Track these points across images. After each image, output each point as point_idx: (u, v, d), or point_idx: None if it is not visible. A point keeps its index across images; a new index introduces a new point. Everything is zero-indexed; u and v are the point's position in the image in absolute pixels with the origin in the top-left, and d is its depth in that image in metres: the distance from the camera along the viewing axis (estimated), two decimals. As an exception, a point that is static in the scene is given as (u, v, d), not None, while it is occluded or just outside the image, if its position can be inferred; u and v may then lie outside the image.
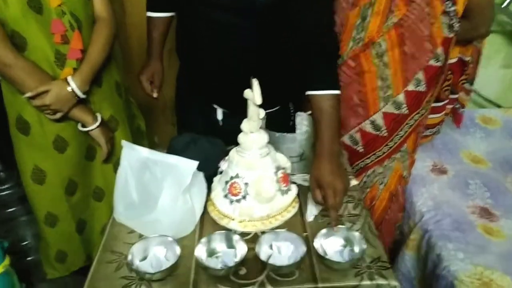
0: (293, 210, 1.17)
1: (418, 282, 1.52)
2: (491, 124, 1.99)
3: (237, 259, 1.02)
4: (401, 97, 1.37)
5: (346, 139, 1.47)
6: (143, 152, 1.10)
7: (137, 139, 1.64)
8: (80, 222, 1.50)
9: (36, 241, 2.04)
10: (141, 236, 1.11)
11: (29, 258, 2.04)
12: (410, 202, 1.60)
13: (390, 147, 1.44)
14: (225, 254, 1.03)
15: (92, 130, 1.36)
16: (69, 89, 1.26)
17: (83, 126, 1.36)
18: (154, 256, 1.03)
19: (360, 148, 1.46)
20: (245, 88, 1.04)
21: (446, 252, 1.36)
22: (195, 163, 1.05)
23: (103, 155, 1.42)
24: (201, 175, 1.10)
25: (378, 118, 1.40)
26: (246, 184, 1.09)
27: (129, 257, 0.99)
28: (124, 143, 1.12)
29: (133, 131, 1.63)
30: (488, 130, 1.95)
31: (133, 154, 1.11)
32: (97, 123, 1.35)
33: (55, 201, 1.42)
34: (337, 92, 1.15)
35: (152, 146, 1.85)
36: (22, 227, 2.12)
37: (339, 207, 1.09)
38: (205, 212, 1.16)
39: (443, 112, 1.65)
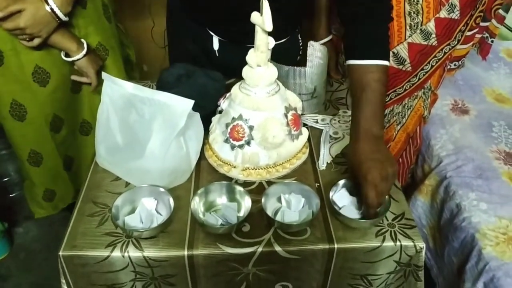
0: (303, 156, 1.02)
1: (430, 230, 1.41)
2: (516, 59, 1.80)
3: (241, 214, 0.88)
4: (431, 25, 1.17)
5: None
6: (128, 87, 0.92)
7: (126, 71, 1.45)
8: (67, 159, 1.38)
9: (19, 176, 1.91)
10: (127, 185, 0.96)
11: (12, 195, 1.92)
12: (427, 144, 1.46)
13: (413, 84, 1.26)
14: (226, 208, 0.88)
15: (78, 60, 1.16)
16: (47, 8, 1.05)
17: (67, 55, 1.17)
18: (143, 209, 0.88)
19: (378, 84, 1.28)
20: (249, 11, 0.84)
21: (467, 202, 1.24)
22: (190, 103, 0.87)
23: (93, 88, 1.24)
24: (197, 116, 0.92)
25: (402, 49, 1.21)
26: (250, 127, 0.93)
27: (114, 210, 0.84)
28: (105, 75, 0.94)
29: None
30: (513, 65, 1.77)
31: (115, 89, 0.93)
32: (84, 52, 1.16)
33: (39, 139, 1.28)
34: (385, 63, 0.93)
35: (142, 77, 1.67)
36: (2, 162, 1.97)
37: (378, 206, 0.86)
38: (201, 157, 1.01)
39: (471, 43, 1.44)
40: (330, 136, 1.08)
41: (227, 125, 0.95)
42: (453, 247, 1.25)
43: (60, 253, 0.83)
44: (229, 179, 0.97)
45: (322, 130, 1.10)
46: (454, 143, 1.41)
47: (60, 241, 0.85)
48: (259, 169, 0.96)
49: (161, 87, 1.12)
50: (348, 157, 0.93)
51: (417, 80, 1.26)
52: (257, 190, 0.94)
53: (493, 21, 1.45)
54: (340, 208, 0.89)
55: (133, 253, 0.83)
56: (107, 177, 0.98)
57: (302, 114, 1.08)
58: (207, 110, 1.04)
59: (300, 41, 1.28)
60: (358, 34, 0.96)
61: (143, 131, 0.91)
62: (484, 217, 1.19)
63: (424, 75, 1.26)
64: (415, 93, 1.29)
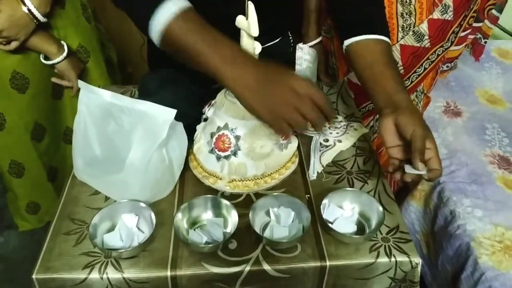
0: (293, 166, 0.97)
1: (423, 236, 1.38)
2: (508, 58, 1.77)
3: (228, 230, 0.83)
4: (424, 27, 1.13)
5: (353, 76, 1.25)
6: (105, 96, 0.86)
7: (108, 74, 1.40)
8: (51, 169, 1.32)
9: (1, 184, 1.84)
10: (107, 199, 0.90)
11: (-7, 203, 1.85)
12: (419, 148, 1.41)
13: (406, 87, 1.22)
14: (211, 224, 0.83)
15: (58, 63, 1.10)
16: (24, 9, 1.00)
17: (47, 58, 1.11)
18: (123, 226, 0.83)
19: (369, 88, 1.24)
20: (235, 13, 0.79)
21: (462, 209, 1.20)
22: (173, 112, 0.82)
23: (74, 92, 1.18)
24: (180, 126, 0.87)
25: (394, 52, 1.17)
26: (237, 137, 0.88)
27: (91, 229, 0.79)
28: (81, 83, 0.88)
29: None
30: (505, 65, 1.74)
31: (92, 98, 0.87)
32: (64, 54, 1.11)
33: (20, 149, 1.23)
34: (388, 40, 0.89)
35: (126, 80, 1.61)
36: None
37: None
38: (186, 167, 0.95)
39: (464, 44, 1.41)
40: (321, 143, 1.03)
41: (212, 135, 0.90)
42: (447, 255, 1.21)
43: (34, 276, 0.77)
44: (215, 191, 0.92)
45: (312, 137, 1.05)
46: (447, 147, 1.38)
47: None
48: (246, 180, 0.91)
49: (143, 93, 1.07)
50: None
51: (409, 83, 1.22)
52: (245, 203, 0.90)
53: (486, 21, 1.42)
54: (331, 223, 0.85)
55: (112, 274, 0.77)
56: (85, 191, 0.92)
57: (291, 121, 1.03)
58: (192, 118, 0.99)
59: (291, 39, 1.23)
60: (357, 14, 0.91)
61: (122, 142, 0.86)
62: (479, 225, 1.15)
63: (416, 78, 1.22)
64: (399, 73, 1.25)
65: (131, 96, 1.17)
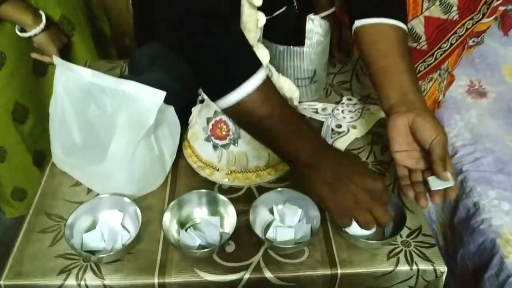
0: (301, 155, 0.85)
1: (440, 226, 1.27)
2: (538, 32, 1.61)
3: (225, 230, 0.72)
4: (453, -4, 0.99)
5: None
6: (85, 74, 0.75)
7: (100, 47, 1.28)
8: (37, 154, 1.22)
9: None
10: (90, 191, 0.80)
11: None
12: (440, 132, 1.29)
13: (429, 65, 1.09)
14: (206, 224, 0.73)
15: (35, 35, 0.98)
16: None
17: (23, 30, 0.99)
18: (105, 224, 0.72)
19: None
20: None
21: (487, 201, 1.09)
22: (162, 95, 0.70)
23: None
24: (171, 110, 0.76)
25: (418, 24, 1.03)
26: (236, 124, 0.76)
27: (67, 230, 0.69)
28: (56, 60, 0.76)
29: (94, 36, 1.26)
30: (535, 39, 1.58)
31: (70, 77, 0.76)
32: (42, 25, 0.98)
33: (0, 131, 1.12)
34: (406, 27, 0.77)
35: (125, 53, 1.48)
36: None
37: None
38: (180, 155, 0.84)
39: (494, 16, 1.26)
40: (332, 130, 0.91)
41: (208, 120, 0.79)
42: (468, 250, 1.10)
43: (1, 282, 0.67)
44: (212, 184, 0.81)
45: (323, 122, 0.93)
46: (470, 131, 1.25)
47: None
48: (247, 172, 0.80)
49: (132, 70, 0.95)
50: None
51: (433, 60, 1.09)
52: (245, 198, 0.79)
53: (519, -10, 1.27)
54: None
55: (91, 281, 0.68)
56: (66, 182, 0.82)
57: (299, 102, 0.91)
58: (187, 99, 0.88)
59: (296, 10, 1.09)
60: None
61: (104, 128, 0.75)
62: (507, 220, 1.04)
63: (441, 54, 1.08)
64: (430, 75, 1.12)
65: (121, 72, 1.06)
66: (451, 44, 1.07)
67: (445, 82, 1.18)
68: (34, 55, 1.05)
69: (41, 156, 1.22)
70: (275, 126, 0.62)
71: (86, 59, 1.12)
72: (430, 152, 0.69)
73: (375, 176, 0.65)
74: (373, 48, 0.77)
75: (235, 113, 0.63)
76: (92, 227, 0.73)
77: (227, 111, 0.64)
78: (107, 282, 0.67)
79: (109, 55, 1.36)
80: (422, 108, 0.71)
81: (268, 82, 0.62)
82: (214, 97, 0.63)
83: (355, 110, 0.95)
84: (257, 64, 0.63)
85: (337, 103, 0.99)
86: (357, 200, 0.62)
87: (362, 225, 0.64)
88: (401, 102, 0.72)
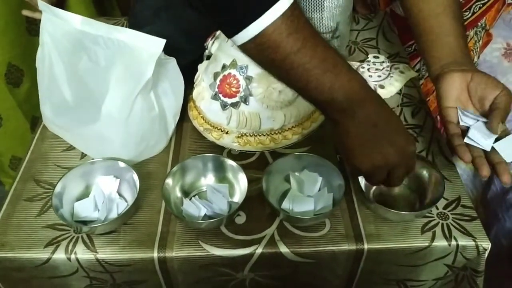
0: (321, 118, 0.75)
1: (472, 202, 1.16)
2: None
3: (234, 199, 0.64)
4: None
5: (397, 7, 1.00)
6: (75, 21, 0.65)
7: (104, 7, 1.19)
8: (35, 120, 1.14)
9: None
10: (84, 156, 0.72)
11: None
12: (473, 99, 1.18)
13: (465, 20, 0.97)
14: (212, 192, 0.64)
15: None
16: None
17: None
18: (99, 192, 0.64)
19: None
20: None
21: (526, 175, 0.98)
22: (161, 43, 0.61)
23: None
24: (173, 63, 0.66)
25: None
26: (248, 78, 0.66)
27: (55, 199, 0.60)
28: (41, 4, 0.67)
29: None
30: None
31: (58, 25, 0.66)
32: None
33: None
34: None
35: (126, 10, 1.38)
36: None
37: None
38: (184, 117, 0.75)
39: (537, -31, 1.13)
40: (357, 89, 0.81)
41: (215, 76, 0.69)
42: (504, 228, 1.00)
43: (-18, 254, 0.60)
44: (221, 148, 0.72)
45: (346, 81, 0.83)
46: (508, 98, 1.13)
47: None
48: (260, 135, 0.71)
49: (134, 24, 0.85)
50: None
51: (470, 15, 0.97)
52: (258, 165, 0.69)
53: None
54: (372, 193, 0.64)
55: (82, 254, 0.60)
56: (58, 145, 0.73)
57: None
58: (194, 55, 0.78)
59: None
60: None
61: (97, 83, 0.66)
62: (549, 194, 0.93)
63: (480, 8, 0.97)
64: (466, 33, 1.00)
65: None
66: (492, -4, 0.95)
67: (481, 41, 1.06)
68: (25, 12, 0.96)
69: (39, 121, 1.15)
70: (305, 63, 0.50)
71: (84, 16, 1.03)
72: (492, 108, 0.63)
73: (410, 138, 0.55)
74: (425, 7, 0.71)
75: (256, 49, 0.51)
76: (85, 195, 0.64)
77: (246, 46, 0.52)
78: (100, 255, 0.59)
79: (113, 13, 1.26)
80: (475, 70, 0.66)
81: (296, 8, 0.50)
82: (232, 31, 0.52)
83: (383, 68, 0.85)
84: None
85: (361, 61, 0.88)
86: (387, 162, 0.53)
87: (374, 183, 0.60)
88: (456, 62, 0.67)
